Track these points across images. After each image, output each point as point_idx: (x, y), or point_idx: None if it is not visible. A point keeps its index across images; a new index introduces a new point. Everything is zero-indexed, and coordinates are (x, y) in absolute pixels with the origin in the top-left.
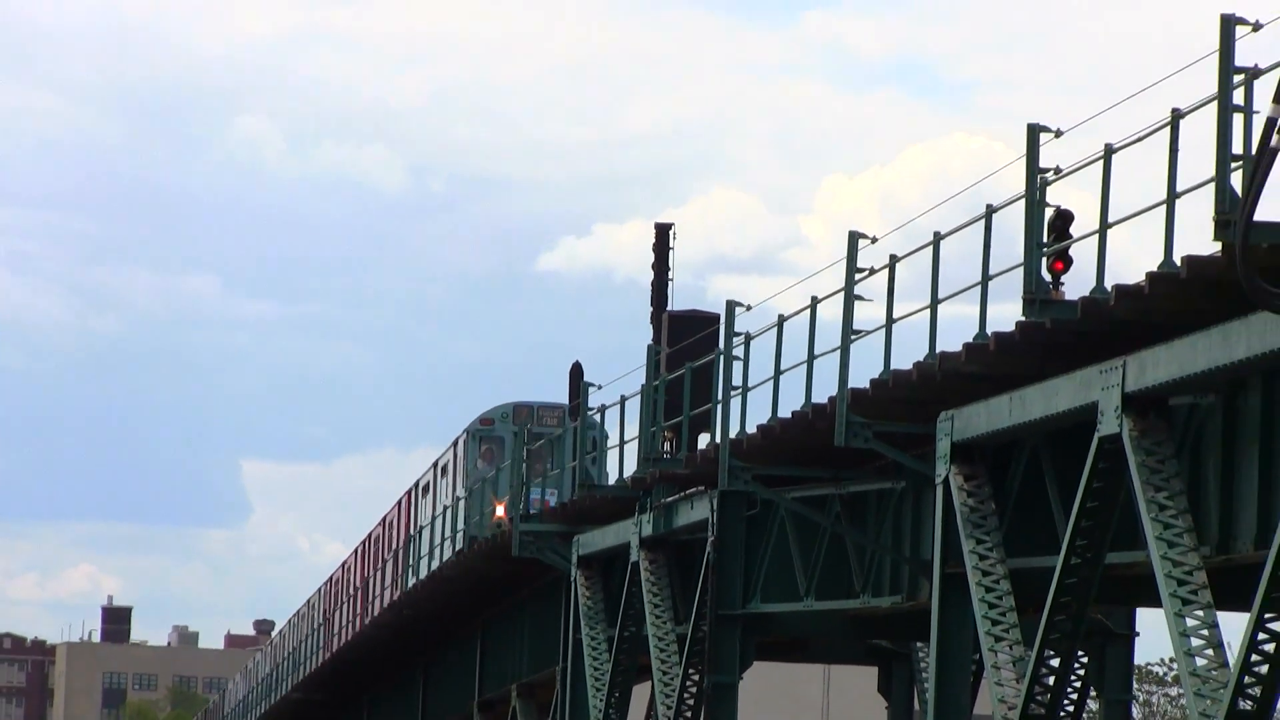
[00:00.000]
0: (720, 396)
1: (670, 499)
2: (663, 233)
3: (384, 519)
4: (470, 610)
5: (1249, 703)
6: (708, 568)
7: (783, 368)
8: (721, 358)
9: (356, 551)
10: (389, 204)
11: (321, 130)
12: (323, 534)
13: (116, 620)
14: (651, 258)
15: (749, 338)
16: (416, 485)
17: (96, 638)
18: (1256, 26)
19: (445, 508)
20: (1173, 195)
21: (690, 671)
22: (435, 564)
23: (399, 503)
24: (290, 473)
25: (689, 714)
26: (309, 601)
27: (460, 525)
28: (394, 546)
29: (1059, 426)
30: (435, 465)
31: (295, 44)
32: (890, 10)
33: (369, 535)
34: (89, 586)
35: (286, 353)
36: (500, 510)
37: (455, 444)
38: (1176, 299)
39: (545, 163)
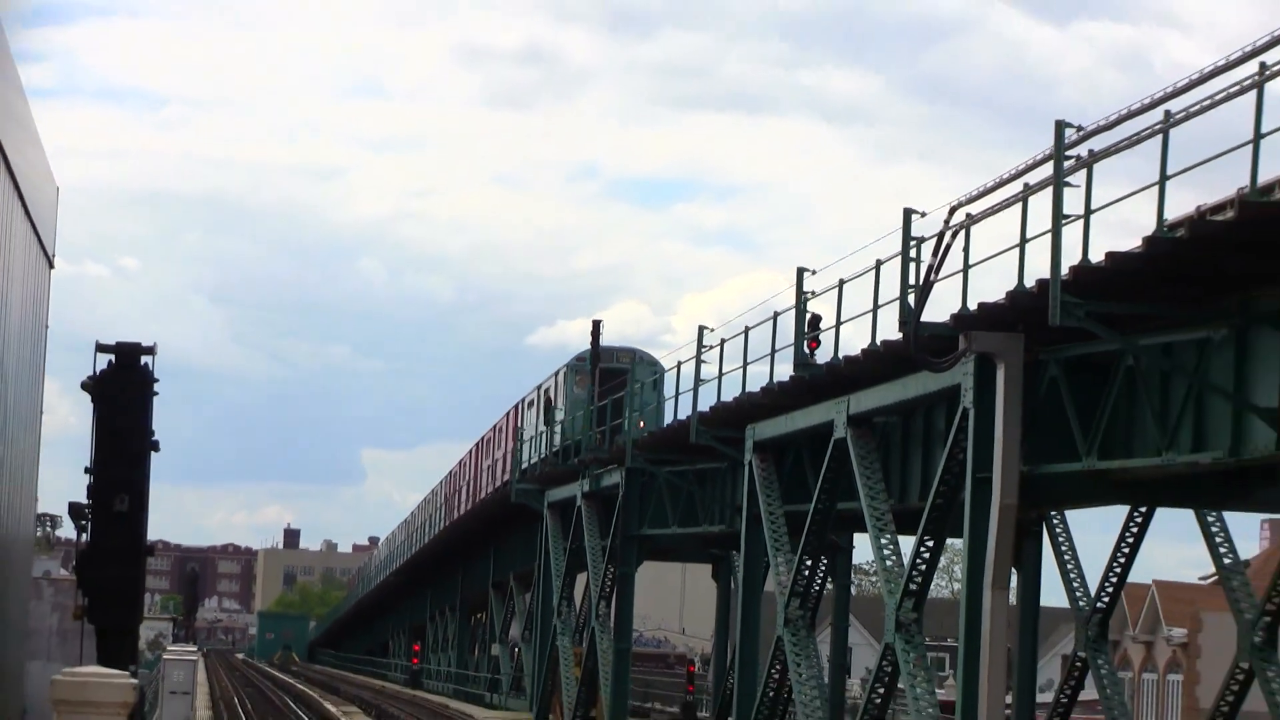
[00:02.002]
0: (627, 414)
1: (599, 471)
2: (595, 324)
3: (495, 426)
4: (487, 531)
5: (914, 584)
6: (619, 510)
7: (665, 398)
8: (627, 393)
9: (471, 451)
10: (443, 308)
11: (405, 267)
12: (405, 490)
13: (291, 536)
14: (589, 338)
15: (642, 384)
16: (523, 401)
17: (280, 546)
18: (923, 215)
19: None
20: (876, 307)
21: (609, 567)
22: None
23: (507, 414)
24: (388, 455)
25: (608, 592)
26: (479, 442)
27: (559, 436)
28: (503, 447)
29: (814, 433)
30: (539, 388)
31: (393, 218)
32: (724, 201)
33: (482, 438)
34: (276, 517)
35: (386, 390)
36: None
37: (556, 374)
38: (877, 363)
39: (531, 286)
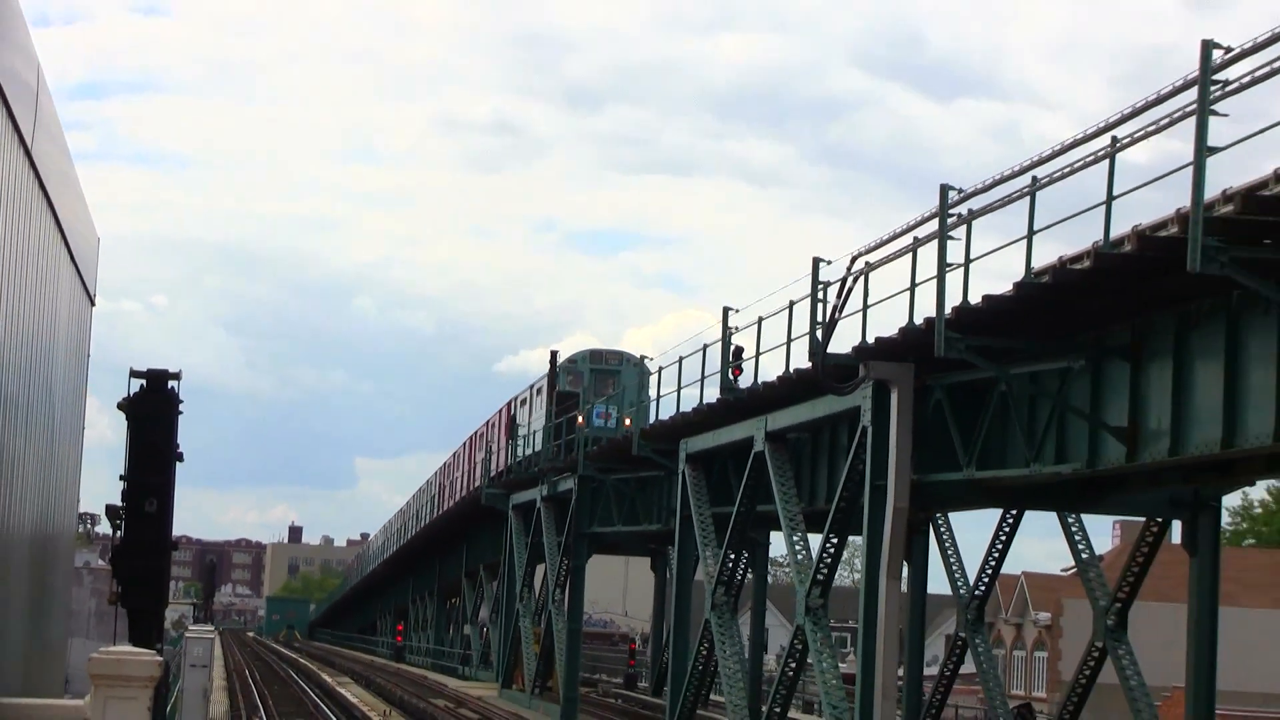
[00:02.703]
0: (580, 434)
1: (556, 478)
2: (553, 354)
3: (487, 421)
4: (459, 528)
5: (821, 575)
6: (572, 512)
7: (649, 399)
8: (580, 416)
9: (465, 444)
10: (424, 339)
11: (393, 305)
12: (391, 493)
13: (294, 532)
14: (548, 366)
15: (593, 404)
16: (515, 400)
17: (285, 540)
18: (829, 263)
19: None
20: (789, 340)
21: (564, 560)
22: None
23: (499, 411)
24: (377, 463)
25: (563, 580)
26: (454, 453)
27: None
28: (495, 442)
29: (737, 447)
30: (531, 388)
31: (383, 263)
32: (661, 250)
33: (475, 433)
34: (282, 515)
35: (376, 408)
36: (580, 419)
37: (547, 375)
38: (791, 388)
39: (499, 321)
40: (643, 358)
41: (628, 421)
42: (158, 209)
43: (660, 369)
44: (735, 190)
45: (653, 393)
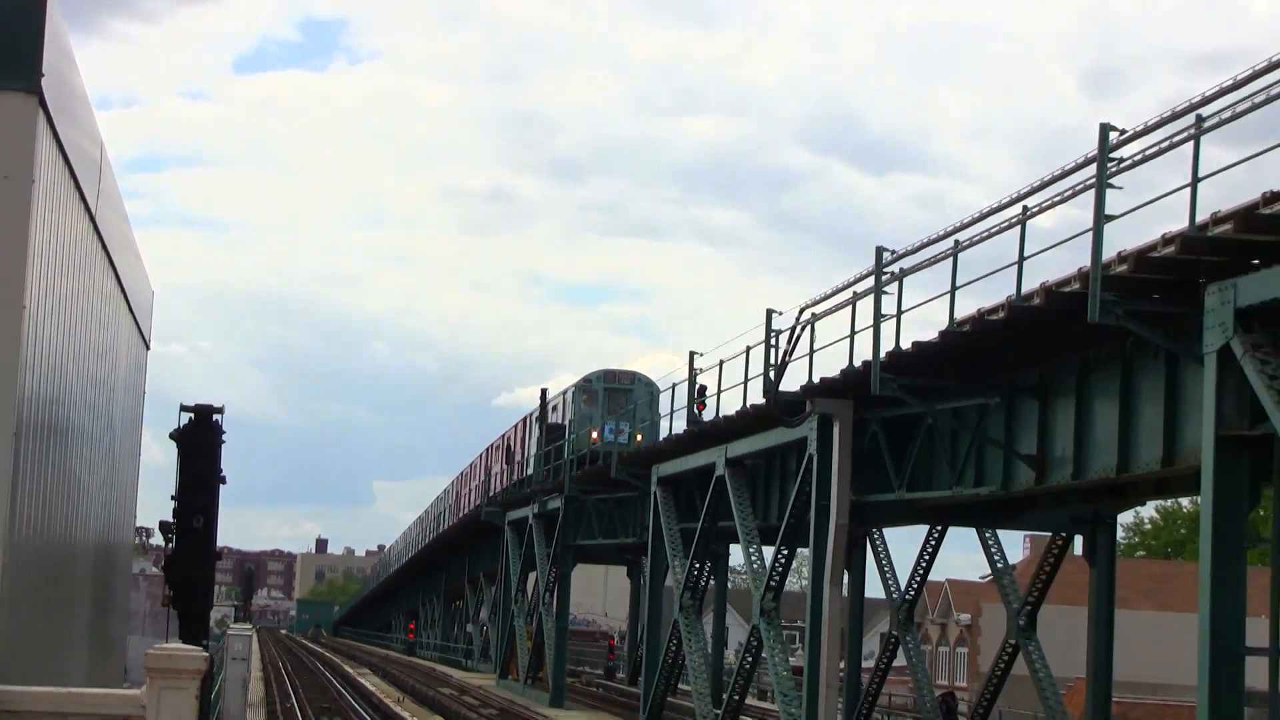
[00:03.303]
0: (565, 458)
1: (545, 498)
2: (543, 391)
3: (503, 435)
4: (462, 541)
5: (774, 582)
6: (559, 527)
7: (659, 416)
8: (565, 443)
9: (482, 455)
10: (430, 377)
11: (404, 348)
12: (403, 510)
13: (321, 544)
14: (538, 402)
15: (576, 433)
16: (530, 416)
17: (313, 551)
18: (780, 314)
19: (567, 437)
20: (746, 380)
21: (552, 568)
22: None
23: (515, 426)
24: (391, 484)
25: (552, 585)
26: (458, 475)
27: (570, 447)
28: (513, 453)
29: (701, 471)
30: (524, 419)
31: (395, 312)
32: (634, 302)
33: (491, 445)
34: (310, 530)
35: (389, 437)
36: (594, 435)
37: (565, 393)
38: (747, 421)
39: (495, 362)
40: (643, 379)
41: (639, 437)
42: (203, 265)
43: (634, 405)
44: (698, 251)
45: (664, 408)
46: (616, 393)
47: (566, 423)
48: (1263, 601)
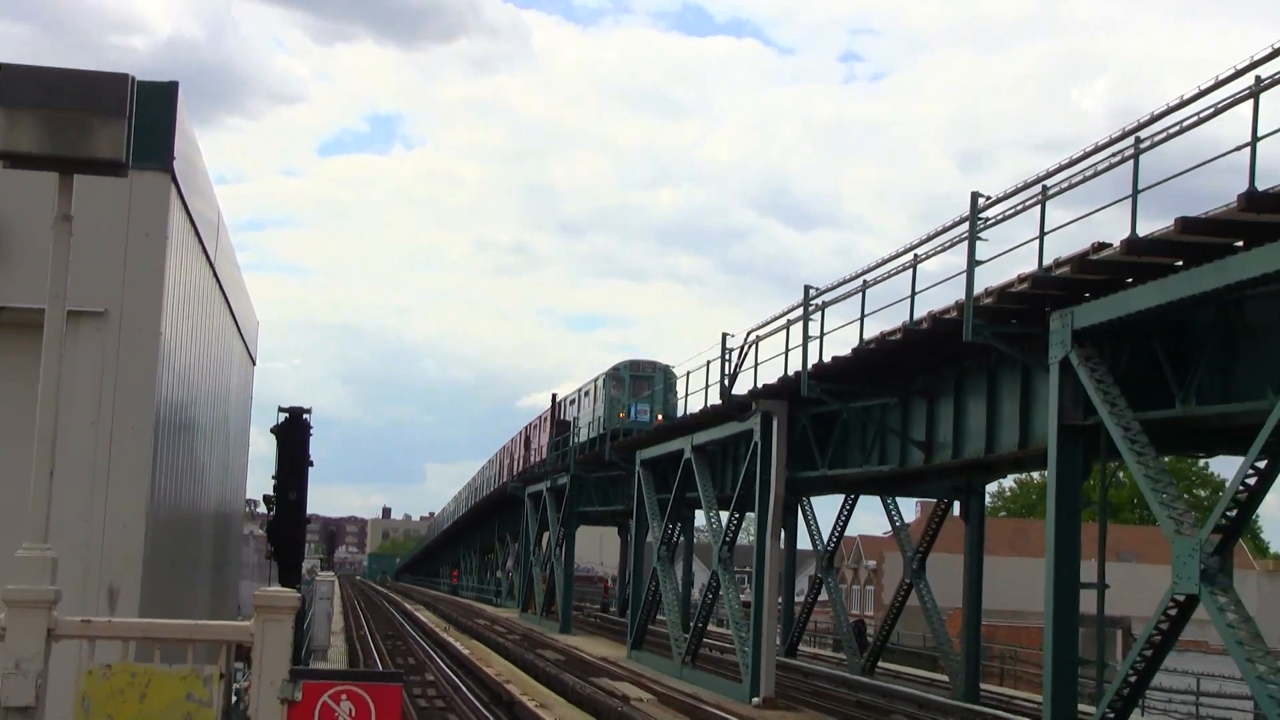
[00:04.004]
0: (571, 445)
1: (556, 475)
2: (553, 397)
3: (523, 429)
4: (493, 509)
5: (729, 537)
6: (566, 498)
7: (676, 398)
8: (651, 391)
9: (507, 445)
10: (466, 385)
11: (447, 364)
12: (447, 486)
13: (386, 512)
14: (549, 404)
15: (575, 427)
16: (564, 399)
17: (380, 517)
18: (733, 335)
19: (598, 417)
20: (707, 385)
21: (561, 529)
22: (584, 437)
23: (532, 422)
24: (439, 467)
25: (561, 542)
26: (489, 460)
27: (601, 424)
28: (530, 442)
29: (673, 455)
30: (580, 390)
31: (439, 337)
32: (624, 329)
33: (514, 437)
34: (378, 501)
35: (436, 432)
36: (621, 415)
37: (596, 380)
38: (709, 417)
39: (518, 374)
40: (662, 367)
41: (660, 417)
42: (295, 302)
43: (672, 379)
44: (671, 289)
45: (681, 390)
46: (640, 379)
47: (596, 403)
48: (1091, 549)
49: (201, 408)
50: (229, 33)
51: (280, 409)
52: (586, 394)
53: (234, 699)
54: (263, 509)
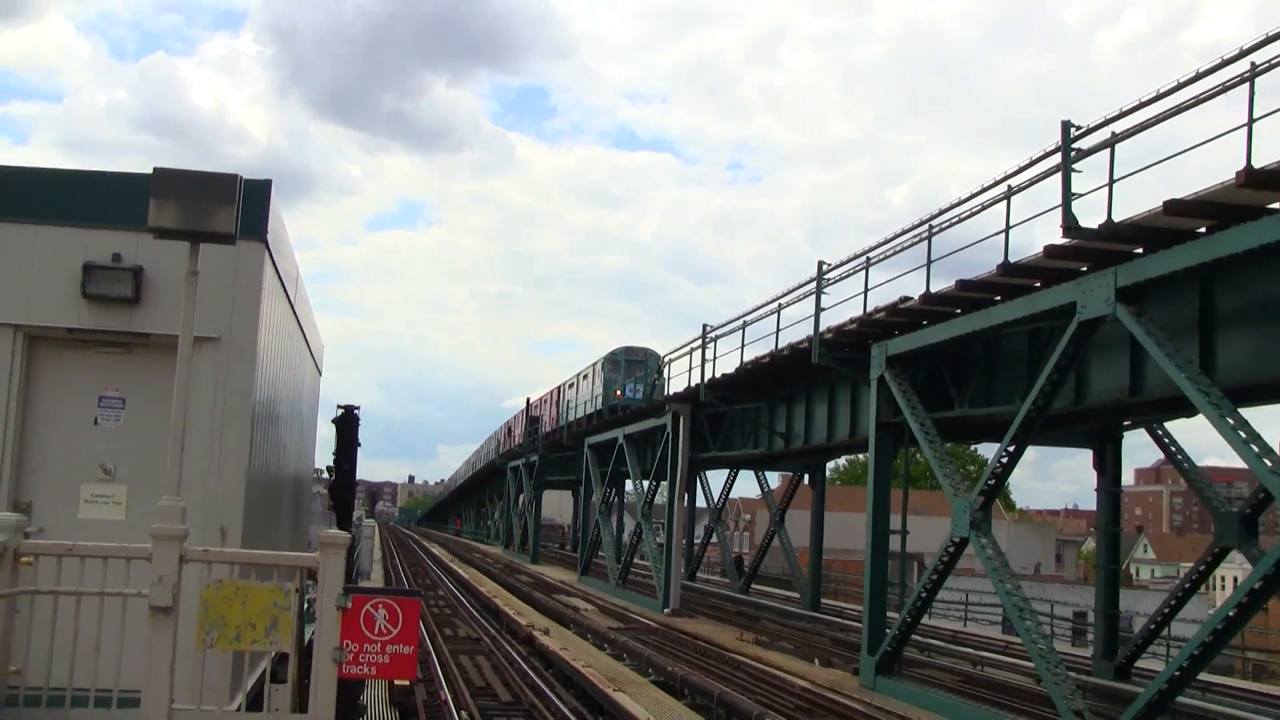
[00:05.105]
0: (539, 435)
1: (529, 455)
2: (527, 400)
3: (506, 422)
4: (485, 478)
5: (650, 499)
6: (536, 471)
7: (662, 379)
8: (644, 373)
9: (495, 432)
10: (467, 391)
11: (455, 377)
12: (455, 461)
13: (410, 479)
14: (524, 405)
15: (624, 383)
16: (564, 384)
17: (407, 482)
18: (663, 357)
19: (596, 394)
20: (691, 369)
21: (533, 491)
22: (577, 415)
23: (551, 391)
24: (449, 448)
25: (533, 501)
26: (483, 442)
27: (600, 400)
28: (512, 430)
29: (612, 441)
30: (578, 374)
31: (449, 355)
32: (581, 351)
33: (500, 426)
34: (405, 470)
35: (446, 422)
36: (618, 393)
37: (595, 364)
38: (637, 414)
39: (504, 384)
40: (653, 353)
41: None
42: (348, 333)
43: (659, 363)
44: (612, 328)
45: (668, 373)
46: (633, 363)
47: (594, 383)
48: (897, 506)
49: (283, 404)
50: (307, 145)
51: (338, 406)
52: (585, 377)
53: (305, 605)
54: (326, 475)
